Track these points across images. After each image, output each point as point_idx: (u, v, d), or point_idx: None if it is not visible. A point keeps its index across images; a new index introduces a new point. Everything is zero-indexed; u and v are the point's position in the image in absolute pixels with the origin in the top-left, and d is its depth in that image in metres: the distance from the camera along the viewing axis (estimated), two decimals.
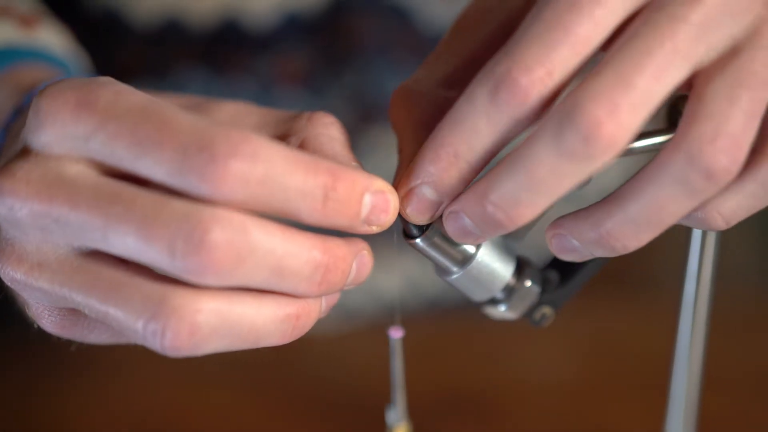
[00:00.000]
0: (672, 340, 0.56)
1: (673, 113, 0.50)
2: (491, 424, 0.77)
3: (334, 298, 0.49)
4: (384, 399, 0.55)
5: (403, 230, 0.48)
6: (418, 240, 0.48)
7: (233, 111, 0.53)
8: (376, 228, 0.47)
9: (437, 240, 0.48)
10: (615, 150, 0.42)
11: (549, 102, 0.44)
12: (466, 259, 0.49)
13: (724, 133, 0.43)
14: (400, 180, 0.48)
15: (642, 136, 0.49)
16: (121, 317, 0.45)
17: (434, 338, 0.84)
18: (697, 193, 0.44)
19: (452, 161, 0.46)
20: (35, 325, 0.49)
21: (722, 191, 0.46)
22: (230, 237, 0.43)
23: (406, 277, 0.89)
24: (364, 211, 0.46)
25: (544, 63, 0.43)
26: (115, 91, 0.46)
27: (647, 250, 0.92)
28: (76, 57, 0.73)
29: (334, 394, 0.80)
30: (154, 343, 0.45)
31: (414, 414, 0.55)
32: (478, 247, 0.49)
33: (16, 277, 0.46)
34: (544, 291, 0.51)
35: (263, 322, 0.46)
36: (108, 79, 0.47)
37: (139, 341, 0.46)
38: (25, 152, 0.46)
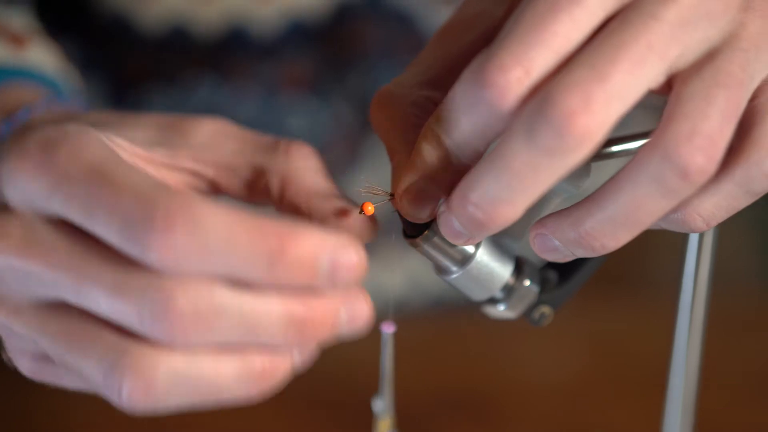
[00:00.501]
0: (669, 340, 0.56)
1: None
2: (488, 423, 0.77)
3: (310, 352, 0.47)
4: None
5: (403, 230, 0.49)
6: (417, 240, 0.48)
7: (210, 132, 0.53)
8: (344, 287, 0.45)
9: (436, 240, 0.48)
10: (590, 144, 0.42)
11: (527, 101, 0.43)
12: (465, 259, 0.49)
13: (700, 132, 0.43)
14: (396, 180, 0.48)
15: (639, 137, 0.49)
16: (83, 368, 0.45)
17: (432, 337, 0.84)
18: (673, 192, 0.43)
19: (440, 156, 0.46)
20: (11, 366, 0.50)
21: (700, 192, 0.46)
22: (195, 303, 0.43)
23: (409, 275, 0.89)
24: (322, 272, 0.44)
25: (522, 62, 0.43)
26: (74, 148, 0.46)
27: (645, 251, 0.92)
28: (67, 76, 0.72)
29: (331, 390, 0.80)
30: (112, 397, 0.44)
31: (412, 413, 0.55)
32: (477, 247, 0.49)
33: None
34: (542, 290, 0.52)
35: (224, 379, 0.45)
36: (74, 130, 0.47)
37: (102, 393, 0.46)
38: (3, 207, 0.47)
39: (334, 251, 0.44)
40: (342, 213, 0.50)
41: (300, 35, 0.83)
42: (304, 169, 0.51)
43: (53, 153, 0.46)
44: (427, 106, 0.49)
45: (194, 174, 0.53)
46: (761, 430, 0.77)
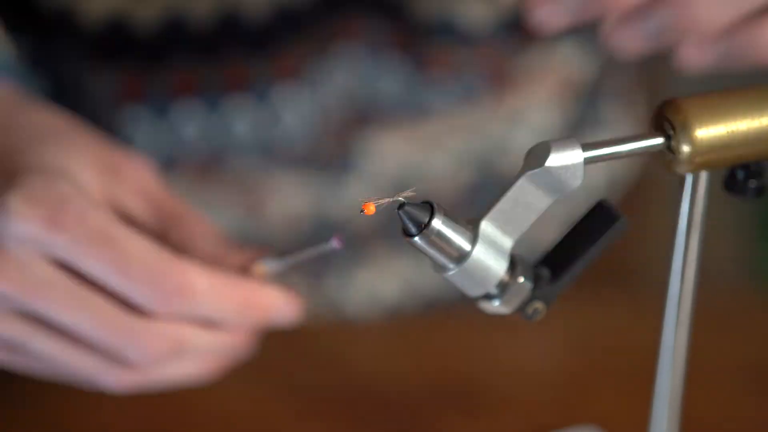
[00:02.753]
0: (658, 334, 0.57)
1: (659, 119, 0.52)
2: (479, 415, 0.78)
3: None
4: (380, 399, 0.55)
5: (402, 229, 0.50)
6: (416, 238, 0.50)
7: (137, 181, 0.62)
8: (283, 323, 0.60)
9: (434, 238, 0.50)
10: None
11: None
12: (461, 257, 0.50)
13: None
14: None
15: (628, 140, 0.50)
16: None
17: (427, 332, 0.85)
18: None
19: None
20: None
21: None
22: (166, 345, 0.56)
23: (404, 279, 0.89)
24: (275, 313, 0.60)
25: None
26: (79, 212, 0.54)
27: (634, 247, 0.93)
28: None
29: (330, 393, 0.80)
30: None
31: (402, 406, 0.56)
32: (473, 244, 0.50)
33: None
34: (536, 287, 0.53)
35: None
36: (69, 194, 0.55)
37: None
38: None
39: (285, 304, 0.60)
40: (244, 270, 0.60)
41: (288, 24, 0.83)
42: (197, 238, 0.61)
43: (63, 214, 0.54)
44: None
45: (128, 214, 0.61)
46: (747, 422, 0.78)
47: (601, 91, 0.91)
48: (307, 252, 0.58)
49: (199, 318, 0.58)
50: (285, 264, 0.60)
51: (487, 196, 0.85)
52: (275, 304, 0.60)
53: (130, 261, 0.55)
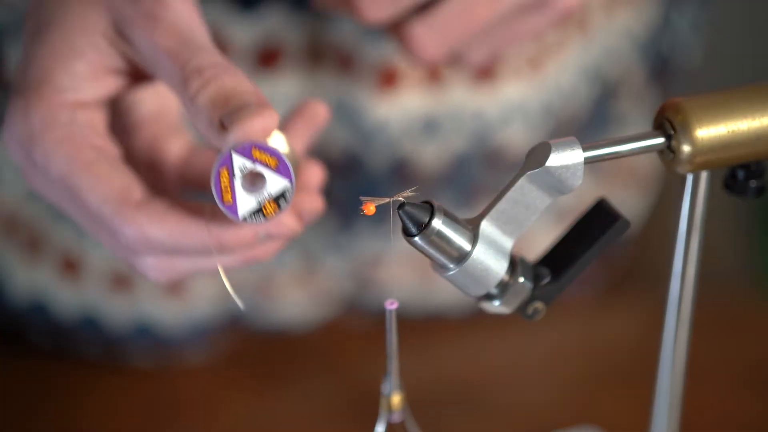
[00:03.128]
0: (658, 335, 0.57)
1: (659, 118, 0.51)
2: (480, 415, 0.78)
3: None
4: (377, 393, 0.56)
5: (403, 229, 0.50)
6: (416, 238, 0.50)
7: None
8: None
9: (434, 238, 0.50)
10: None
11: None
12: (462, 257, 0.50)
13: None
14: None
15: (629, 139, 0.50)
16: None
17: (427, 333, 0.85)
18: None
19: None
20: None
21: None
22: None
23: (405, 292, 0.88)
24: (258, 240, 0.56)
25: None
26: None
27: (635, 248, 0.93)
28: None
29: (332, 396, 0.81)
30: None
31: (411, 406, 0.56)
32: (473, 244, 0.50)
33: None
34: (535, 287, 0.53)
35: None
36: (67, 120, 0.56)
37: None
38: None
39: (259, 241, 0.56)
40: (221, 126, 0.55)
41: None
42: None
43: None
44: None
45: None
46: (747, 423, 0.78)
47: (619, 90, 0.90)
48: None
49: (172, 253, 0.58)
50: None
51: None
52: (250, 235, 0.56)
53: (85, 204, 0.56)
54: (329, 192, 0.62)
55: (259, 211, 0.52)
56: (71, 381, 0.81)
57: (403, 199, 0.49)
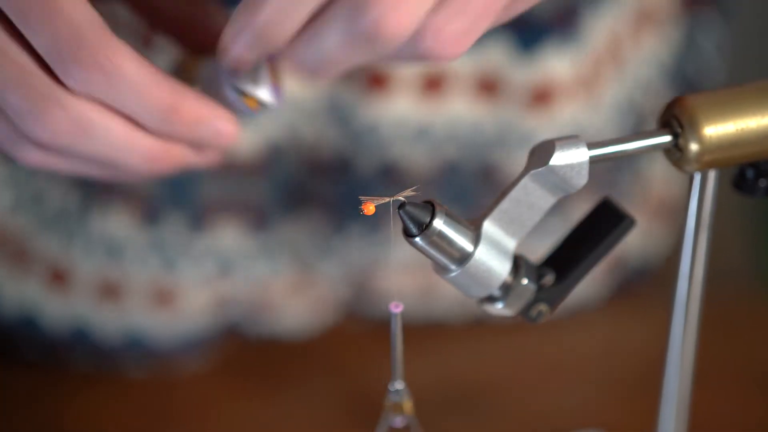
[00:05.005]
0: (665, 337, 0.57)
1: (666, 116, 0.51)
2: (486, 420, 0.78)
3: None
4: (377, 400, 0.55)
5: (403, 229, 0.49)
6: (417, 238, 0.49)
7: None
8: (214, 152, 0.56)
9: (436, 238, 0.49)
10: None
11: None
12: (463, 258, 0.50)
13: None
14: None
15: (635, 138, 0.50)
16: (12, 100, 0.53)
17: (430, 335, 0.85)
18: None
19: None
20: None
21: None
22: (71, 127, 0.52)
23: (406, 299, 0.86)
24: (204, 132, 0.54)
25: None
26: None
27: (640, 251, 0.92)
28: None
29: (334, 399, 0.80)
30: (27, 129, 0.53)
31: (414, 412, 0.55)
32: (475, 245, 0.50)
33: None
34: (539, 289, 0.52)
35: (115, 136, 0.54)
36: None
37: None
38: None
39: (216, 117, 0.54)
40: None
41: None
42: None
43: None
44: None
45: None
46: (755, 426, 0.77)
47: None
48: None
49: (119, 109, 0.53)
50: None
51: None
52: (206, 117, 0.54)
53: (56, 17, 0.50)
54: (319, 193, 0.60)
55: (243, 94, 0.55)
56: (63, 392, 0.81)
57: (403, 199, 0.48)
